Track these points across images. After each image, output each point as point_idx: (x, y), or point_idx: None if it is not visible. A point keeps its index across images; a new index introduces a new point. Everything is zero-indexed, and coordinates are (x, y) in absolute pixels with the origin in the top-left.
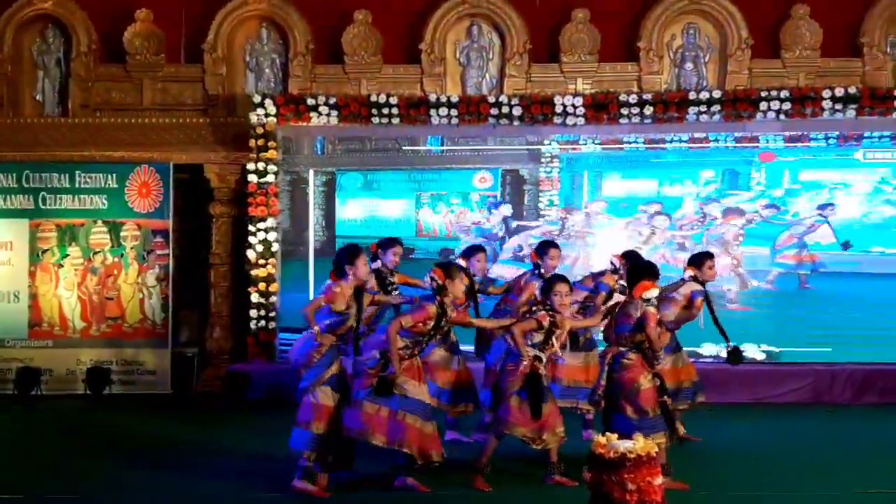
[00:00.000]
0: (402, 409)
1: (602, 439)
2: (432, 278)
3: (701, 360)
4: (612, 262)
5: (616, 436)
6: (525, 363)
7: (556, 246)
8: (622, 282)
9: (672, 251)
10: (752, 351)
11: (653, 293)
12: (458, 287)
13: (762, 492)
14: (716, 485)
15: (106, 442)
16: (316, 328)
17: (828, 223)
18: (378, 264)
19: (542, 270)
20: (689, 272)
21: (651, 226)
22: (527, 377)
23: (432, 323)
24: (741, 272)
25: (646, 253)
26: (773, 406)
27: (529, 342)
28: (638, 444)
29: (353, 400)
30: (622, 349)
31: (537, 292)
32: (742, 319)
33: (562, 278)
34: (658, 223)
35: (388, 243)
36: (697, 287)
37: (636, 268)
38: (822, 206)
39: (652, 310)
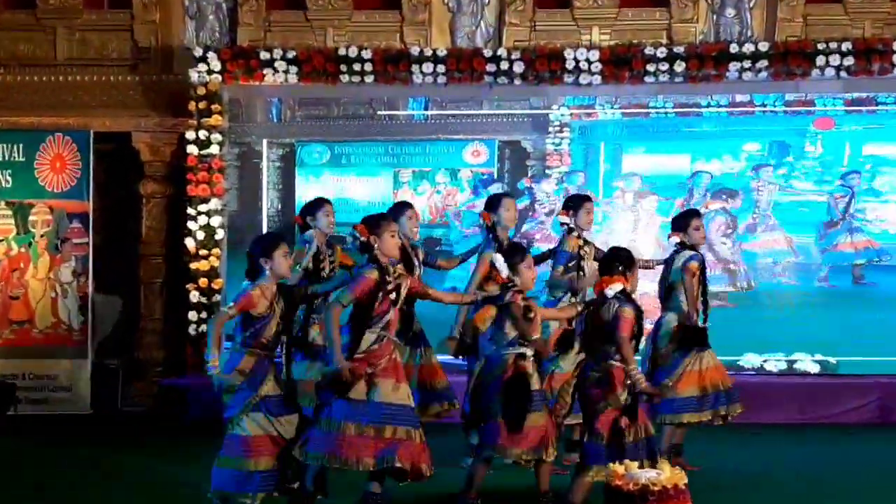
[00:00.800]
0: (387, 422)
1: (619, 469)
2: (354, 235)
3: (742, 373)
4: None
5: (636, 464)
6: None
7: (509, 195)
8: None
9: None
10: (805, 362)
11: (615, 288)
12: (390, 245)
13: None
14: None
15: (9, 473)
16: (214, 362)
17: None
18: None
19: (498, 233)
20: (675, 238)
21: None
22: (507, 382)
23: (381, 295)
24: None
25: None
26: (831, 427)
27: (505, 337)
28: (664, 475)
29: (320, 419)
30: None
31: (500, 266)
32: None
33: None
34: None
35: (315, 205)
36: (690, 253)
37: (603, 258)
38: (847, 175)
39: (627, 310)
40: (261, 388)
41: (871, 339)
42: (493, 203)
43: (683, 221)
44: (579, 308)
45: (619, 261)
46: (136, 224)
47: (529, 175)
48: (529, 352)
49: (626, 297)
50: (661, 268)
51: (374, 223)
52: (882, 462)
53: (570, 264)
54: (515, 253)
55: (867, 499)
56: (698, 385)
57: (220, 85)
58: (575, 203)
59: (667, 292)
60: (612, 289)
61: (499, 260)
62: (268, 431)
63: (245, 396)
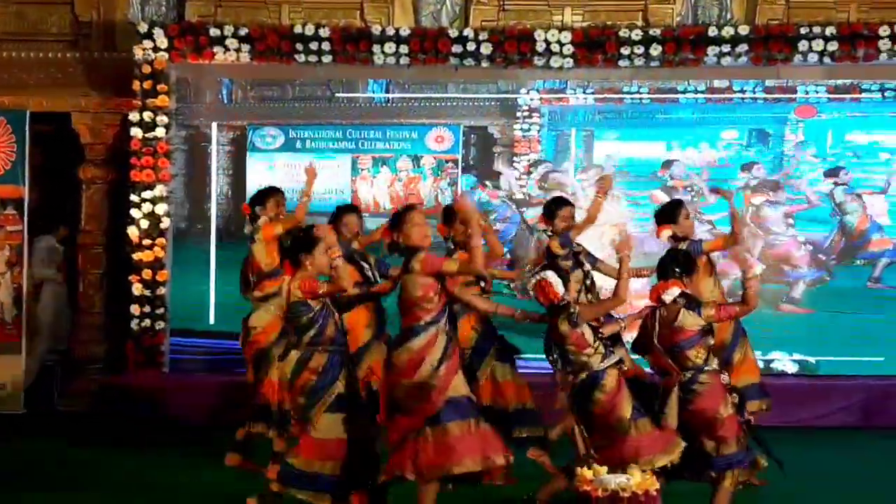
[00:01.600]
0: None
1: (588, 474)
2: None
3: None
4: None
5: (605, 469)
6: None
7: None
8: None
9: None
10: (784, 361)
11: (673, 293)
12: (321, 260)
13: None
14: None
15: None
16: None
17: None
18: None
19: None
20: (666, 231)
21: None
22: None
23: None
24: None
25: None
26: (811, 430)
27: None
28: (633, 480)
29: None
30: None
31: (555, 283)
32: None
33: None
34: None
35: (265, 194)
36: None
37: (660, 261)
38: (831, 172)
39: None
40: (334, 386)
41: (853, 338)
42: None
43: (672, 213)
44: (623, 324)
45: (676, 264)
46: (75, 211)
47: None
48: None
49: (690, 299)
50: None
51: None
52: (865, 467)
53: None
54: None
55: None
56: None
57: (166, 63)
58: (670, 214)
59: None
60: (670, 294)
61: (552, 277)
62: (339, 435)
63: (319, 395)
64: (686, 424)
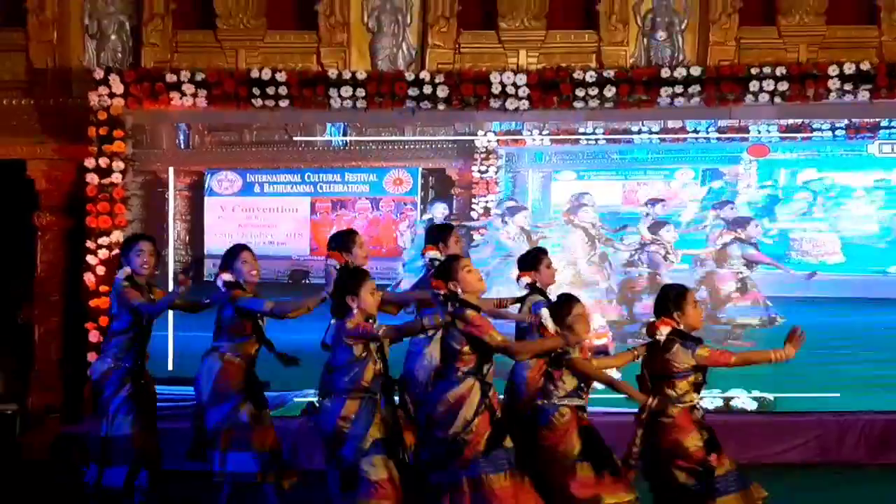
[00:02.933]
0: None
1: None
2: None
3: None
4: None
5: None
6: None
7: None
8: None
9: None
10: (742, 399)
11: (664, 332)
12: (368, 301)
13: None
14: None
15: None
16: None
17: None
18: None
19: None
20: (525, 278)
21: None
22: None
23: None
24: None
25: None
26: (769, 467)
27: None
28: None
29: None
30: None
31: (545, 320)
32: None
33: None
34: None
35: (231, 254)
36: (538, 299)
37: (657, 299)
38: (718, 205)
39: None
40: (370, 432)
41: (810, 375)
42: (530, 261)
43: (533, 260)
44: (635, 353)
45: (669, 300)
46: (31, 258)
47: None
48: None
49: (683, 336)
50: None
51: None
52: (821, 502)
53: None
54: (563, 305)
55: None
56: None
57: (122, 109)
58: (531, 261)
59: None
60: (662, 332)
61: (544, 314)
62: (390, 474)
63: (355, 443)
64: (656, 457)
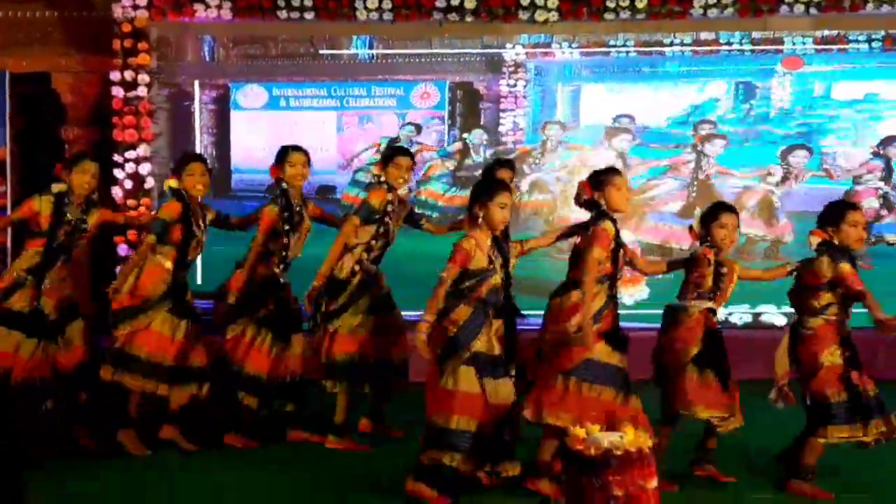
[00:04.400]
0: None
1: (580, 432)
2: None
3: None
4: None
5: (598, 427)
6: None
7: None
8: None
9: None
10: (772, 314)
11: (814, 241)
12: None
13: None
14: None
15: None
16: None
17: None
18: None
19: None
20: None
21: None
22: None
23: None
24: None
25: None
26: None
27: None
28: (627, 438)
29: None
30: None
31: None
32: None
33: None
34: None
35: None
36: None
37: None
38: (886, 142)
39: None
40: (473, 343)
41: None
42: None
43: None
44: (789, 268)
45: (827, 214)
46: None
47: None
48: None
49: (832, 248)
50: None
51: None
52: None
53: None
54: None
55: (839, 457)
56: None
57: (147, 22)
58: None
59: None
60: (812, 242)
61: (696, 219)
62: (474, 391)
63: (455, 348)
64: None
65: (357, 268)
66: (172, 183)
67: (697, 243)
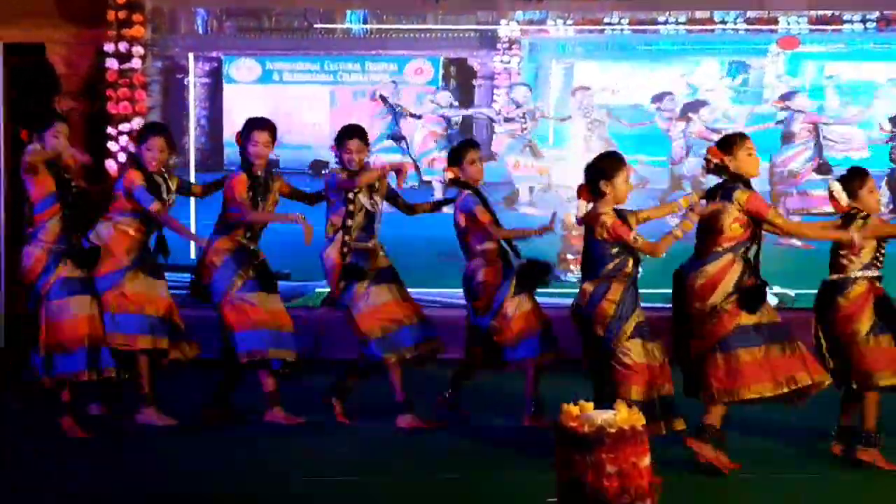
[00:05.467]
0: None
1: (573, 409)
2: None
3: None
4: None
5: (591, 404)
6: None
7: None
8: None
9: None
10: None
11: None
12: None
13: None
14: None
15: None
16: None
17: None
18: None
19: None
20: (449, 174)
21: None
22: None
23: None
24: None
25: None
26: None
27: None
28: (620, 415)
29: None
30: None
31: (837, 193)
32: None
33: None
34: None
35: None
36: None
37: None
38: (787, 96)
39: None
40: (635, 314)
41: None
42: (455, 156)
43: (459, 153)
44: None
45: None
46: None
47: None
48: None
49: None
50: None
51: None
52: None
53: None
54: (854, 177)
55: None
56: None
57: None
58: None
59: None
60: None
61: (836, 187)
62: (648, 360)
63: (618, 325)
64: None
65: (346, 250)
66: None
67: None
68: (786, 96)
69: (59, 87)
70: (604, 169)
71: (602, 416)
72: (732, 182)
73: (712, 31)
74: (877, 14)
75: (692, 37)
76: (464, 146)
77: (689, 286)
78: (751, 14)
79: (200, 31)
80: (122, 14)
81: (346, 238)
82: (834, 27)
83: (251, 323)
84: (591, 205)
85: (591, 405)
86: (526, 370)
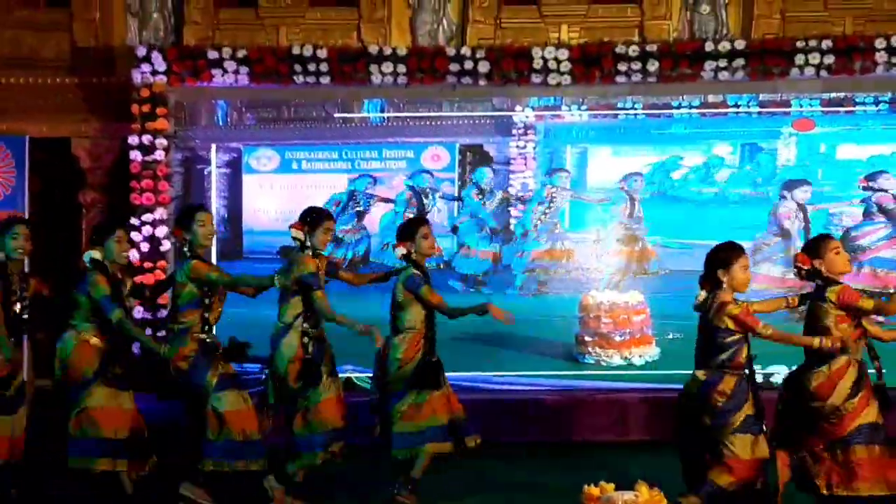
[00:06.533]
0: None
1: (594, 490)
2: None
3: None
4: None
5: (612, 486)
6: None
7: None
8: None
9: None
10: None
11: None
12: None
13: None
14: None
15: None
16: None
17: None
18: None
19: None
20: (401, 249)
21: None
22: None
23: None
24: None
25: None
26: None
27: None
28: (641, 497)
29: None
30: None
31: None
32: None
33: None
34: None
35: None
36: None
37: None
38: (871, 176)
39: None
40: (744, 408)
41: None
42: (406, 232)
43: (410, 230)
44: None
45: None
46: (75, 236)
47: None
48: None
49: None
50: None
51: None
52: None
53: None
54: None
55: None
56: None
57: (165, 87)
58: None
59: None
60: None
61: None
62: (751, 455)
63: (726, 418)
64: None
65: (306, 339)
66: (95, 254)
67: None
68: (870, 177)
69: (84, 180)
70: (721, 258)
71: (623, 498)
72: (827, 284)
73: (725, 114)
74: (889, 95)
75: (704, 120)
76: (415, 222)
77: (803, 391)
78: (763, 97)
79: (221, 123)
80: (145, 107)
81: (306, 326)
82: (846, 109)
83: None
84: (703, 293)
85: (611, 486)
86: None
